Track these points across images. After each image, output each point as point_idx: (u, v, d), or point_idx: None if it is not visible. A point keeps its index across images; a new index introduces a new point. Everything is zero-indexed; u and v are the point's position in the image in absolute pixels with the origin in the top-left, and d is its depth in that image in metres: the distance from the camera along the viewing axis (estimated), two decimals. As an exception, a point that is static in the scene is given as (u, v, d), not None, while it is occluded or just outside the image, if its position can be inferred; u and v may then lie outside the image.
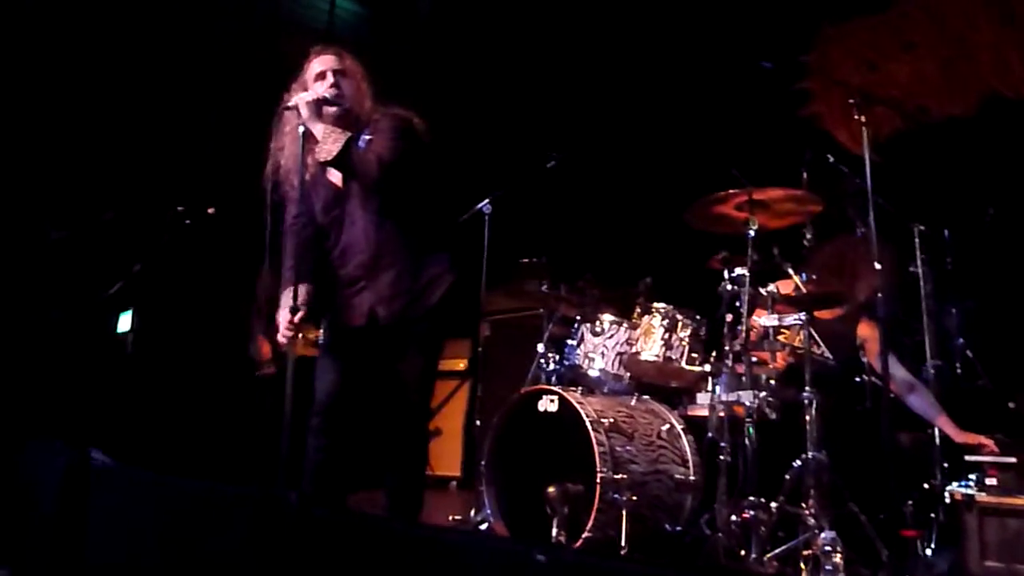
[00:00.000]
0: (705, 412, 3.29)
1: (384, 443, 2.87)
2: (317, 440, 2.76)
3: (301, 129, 2.69)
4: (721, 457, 3.04)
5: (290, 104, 2.73)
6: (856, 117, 3.23)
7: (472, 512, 3.79)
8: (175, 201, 4.06)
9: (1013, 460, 3.13)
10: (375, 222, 2.87)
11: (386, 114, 2.88)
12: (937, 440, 3.35)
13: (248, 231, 3.21)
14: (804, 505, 2.92)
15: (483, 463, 3.41)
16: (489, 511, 3.34)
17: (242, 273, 4.62)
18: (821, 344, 3.28)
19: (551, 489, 3.02)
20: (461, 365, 5.62)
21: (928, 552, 3.06)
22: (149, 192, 4.61)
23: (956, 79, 4.91)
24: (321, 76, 2.87)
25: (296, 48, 3.05)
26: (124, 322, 4.37)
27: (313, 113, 2.71)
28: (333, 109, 2.81)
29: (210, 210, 4.10)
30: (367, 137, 2.82)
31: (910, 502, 3.25)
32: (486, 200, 4.05)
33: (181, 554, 2.17)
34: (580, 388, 3.35)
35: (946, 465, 3.27)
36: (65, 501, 2.57)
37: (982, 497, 2.99)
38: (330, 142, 2.71)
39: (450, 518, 4.00)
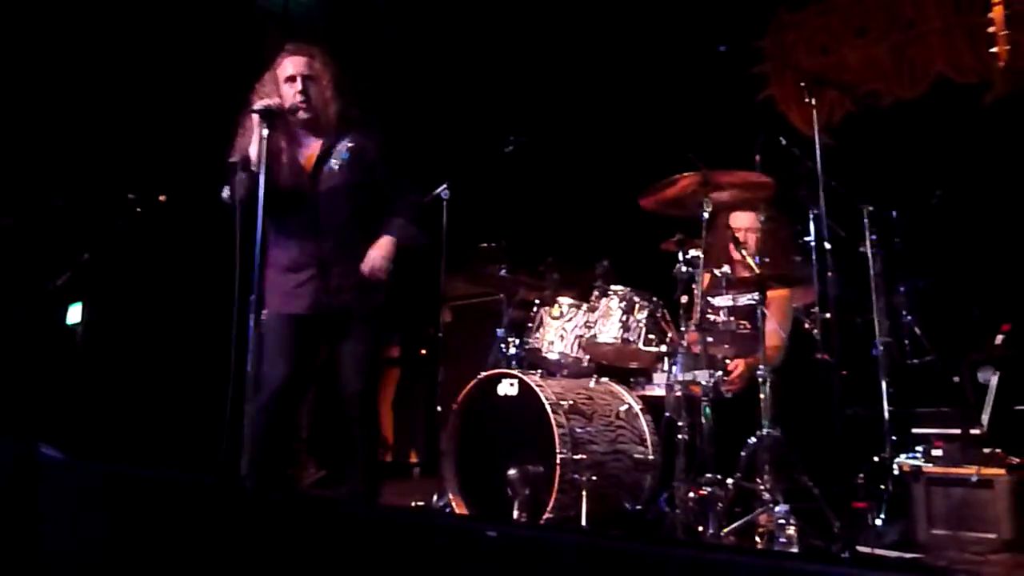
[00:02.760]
0: (662, 392, 3.33)
1: (335, 431, 2.94)
2: (265, 427, 2.76)
3: (265, 132, 2.71)
4: (679, 436, 3.09)
5: (257, 108, 2.75)
6: (807, 100, 3.29)
7: (435, 497, 3.80)
8: (126, 188, 3.97)
9: (958, 432, 3.25)
10: (334, 214, 2.98)
11: (370, 129, 3.09)
12: (886, 414, 3.44)
13: (202, 219, 3.17)
14: (759, 480, 2.99)
15: (444, 448, 3.42)
16: (451, 495, 3.36)
17: (195, 261, 4.54)
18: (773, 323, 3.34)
19: (512, 471, 3.06)
20: (422, 351, 5.61)
21: (878, 522, 3.14)
22: (99, 179, 4.50)
23: (906, 64, 5.01)
24: (291, 80, 2.94)
25: (252, 31, 3.04)
26: (74, 313, 4.26)
27: (279, 120, 2.78)
28: (300, 116, 2.92)
29: (162, 197, 4.02)
30: (350, 145, 3.01)
31: (861, 475, 3.35)
32: (444, 185, 4.03)
33: (134, 545, 2.14)
34: (540, 371, 3.37)
35: (895, 438, 3.36)
36: (13, 496, 2.52)
37: (928, 468, 3.09)
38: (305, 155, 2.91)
39: (413, 504, 4.00)
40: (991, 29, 1.76)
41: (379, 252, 2.98)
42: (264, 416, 2.75)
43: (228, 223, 2.71)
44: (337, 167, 3.01)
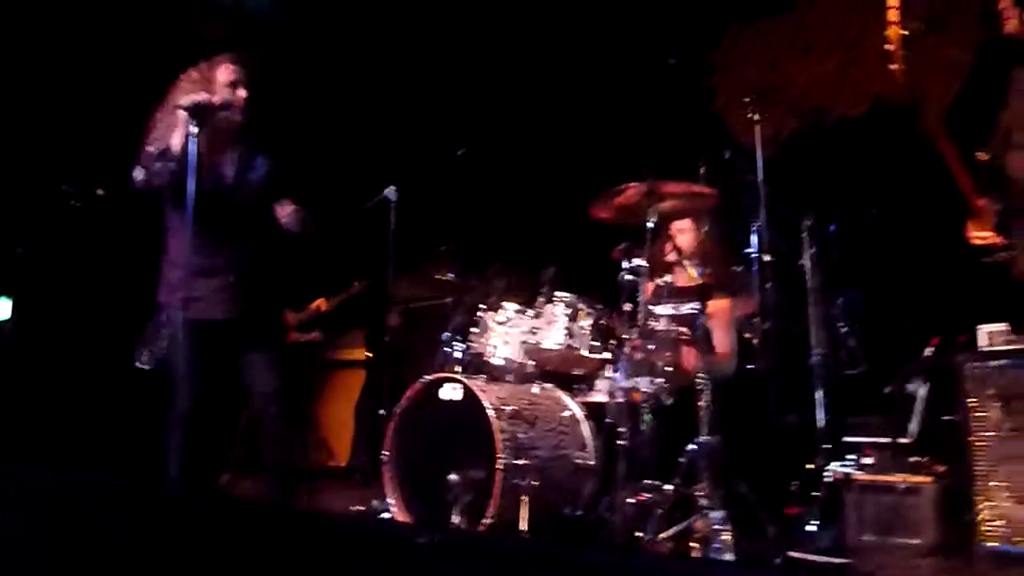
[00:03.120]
0: (605, 398, 3.36)
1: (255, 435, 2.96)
2: (186, 431, 2.72)
3: (194, 129, 2.68)
4: (619, 442, 3.12)
5: (186, 104, 2.71)
6: (751, 115, 3.36)
7: (374, 502, 3.77)
8: (61, 181, 3.84)
9: (888, 440, 3.35)
10: (251, 223, 3.06)
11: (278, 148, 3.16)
12: (821, 423, 3.52)
13: (138, 214, 3.10)
14: (697, 487, 3.03)
15: (385, 452, 3.39)
16: (391, 500, 3.33)
17: (133, 257, 4.41)
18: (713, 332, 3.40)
19: (452, 476, 3.05)
20: (367, 353, 5.56)
21: (811, 528, 3.22)
22: (34, 171, 4.34)
23: (849, 82, 5.16)
24: (234, 85, 2.97)
25: (197, 26, 2.99)
26: (3, 310, 4.10)
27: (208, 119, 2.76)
28: (234, 119, 2.93)
29: (99, 191, 3.90)
30: (265, 160, 3.09)
31: (796, 482, 3.43)
32: (391, 187, 4.00)
33: (60, 548, 2.07)
34: (484, 376, 3.37)
35: (828, 446, 3.44)
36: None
37: (859, 475, 3.18)
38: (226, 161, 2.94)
39: (351, 509, 3.95)
40: (887, 47, 1.88)
41: (288, 208, 3.04)
42: (184, 422, 2.71)
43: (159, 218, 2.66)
44: (255, 179, 3.08)
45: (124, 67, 4.68)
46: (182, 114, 2.72)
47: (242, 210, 3.03)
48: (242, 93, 2.95)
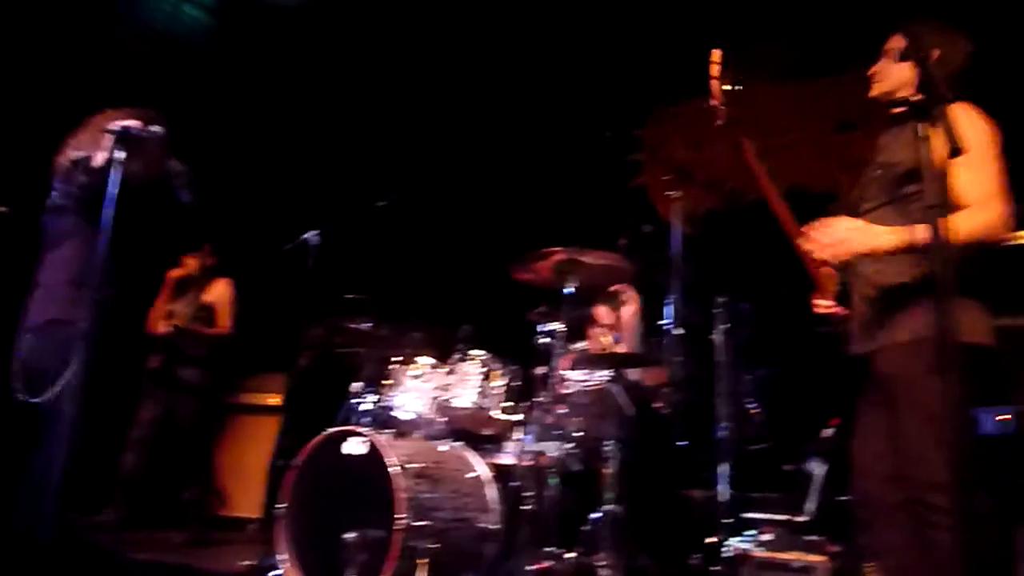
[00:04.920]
0: (513, 460, 3.32)
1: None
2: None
3: (122, 155, 2.59)
4: (525, 506, 3.08)
5: (114, 128, 2.65)
6: (671, 193, 3.48)
7: (267, 557, 3.58)
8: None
9: (785, 518, 3.42)
10: None
11: None
12: (723, 498, 3.57)
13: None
14: (599, 556, 3.01)
15: (281, 505, 3.25)
16: (281, 556, 3.17)
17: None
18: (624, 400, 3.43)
19: (349, 535, 2.93)
20: (275, 400, 5.37)
21: (710, 604, 3.22)
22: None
23: (766, 167, 5.41)
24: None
25: (122, 47, 2.92)
26: None
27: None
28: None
29: (3, 209, 3.70)
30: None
31: (696, 555, 3.44)
32: (314, 231, 3.94)
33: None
34: (391, 431, 3.29)
35: (730, 521, 3.48)
36: None
37: (756, 552, 3.22)
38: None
39: (240, 563, 3.75)
40: (711, 101, 2.02)
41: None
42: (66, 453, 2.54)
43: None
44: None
45: (32, 85, 4.52)
46: (108, 137, 2.64)
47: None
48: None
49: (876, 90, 2.46)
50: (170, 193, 2.97)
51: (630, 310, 3.81)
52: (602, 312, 3.70)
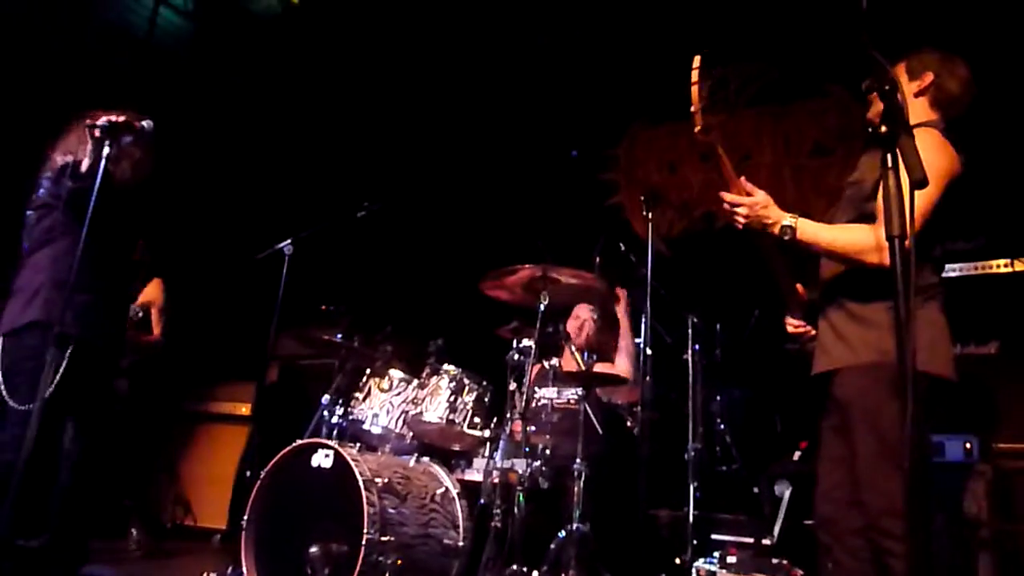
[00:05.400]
0: (481, 477, 3.31)
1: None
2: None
3: (107, 150, 2.60)
4: (492, 523, 3.06)
5: (102, 123, 2.63)
6: (645, 214, 3.51)
7: (230, 568, 3.53)
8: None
9: (751, 540, 3.44)
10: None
11: None
12: (690, 518, 3.59)
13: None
14: (564, 575, 2.99)
15: (247, 517, 3.20)
16: (246, 568, 3.12)
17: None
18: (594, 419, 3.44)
19: (313, 549, 2.90)
20: (244, 410, 5.30)
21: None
22: None
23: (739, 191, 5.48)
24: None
25: (105, 52, 2.90)
26: None
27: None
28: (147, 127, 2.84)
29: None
30: None
31: (663, 575, 3.45)
32: (288, 240, 3.92)
33: None
34: (359, 444, 3.26)
35: (696, 542, 3.49)
36: None
37: (722, 574, 3.23)
38: None
39: (204, 575, 3.69)
40: (692, 109, 2.05)
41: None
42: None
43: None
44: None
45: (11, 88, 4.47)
46: (95, 132, 2.63)
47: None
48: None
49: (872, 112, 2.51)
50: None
51: (604, 327, 3.83)
52: (576, 329, 3.71)
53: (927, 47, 2.42)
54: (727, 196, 2.24)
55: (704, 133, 2.09)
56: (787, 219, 2.20)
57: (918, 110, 2.32)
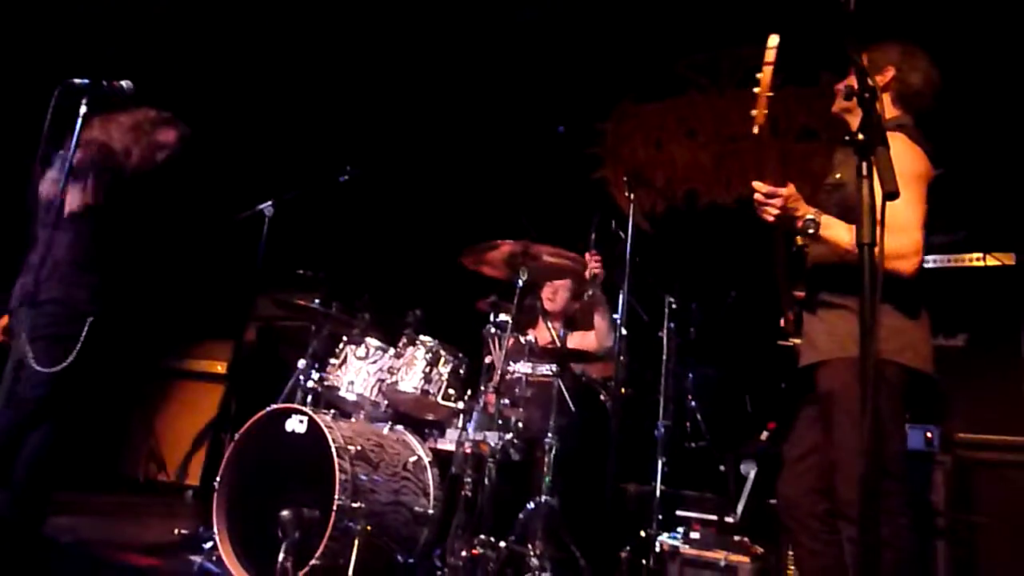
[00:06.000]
0: (453, 447, 3.35)
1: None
2: None
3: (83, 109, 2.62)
4: (462, 493, 3.11)
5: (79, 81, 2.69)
6: (626, 192, 3.51)
7: (201, 528, 3.57)
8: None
9: (714, 518, 3.52)
10: None
11: None
12: (658, 493, 3.66)
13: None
14: (531, 546, 3.06)
15: (219, 478, 3.23)
16: (216, 528, 3.16)
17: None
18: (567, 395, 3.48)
19: (284, 512, 2.93)
20: (220, 368, 5.31)
21: (636, 596, 3.31)
22: None
23: (724, 171, 5.51)
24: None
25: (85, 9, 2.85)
26: None
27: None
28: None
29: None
30: None
31: (627, 548, 3.52)
32: (269, 202, 3.88)
33: None
34: (333, 411, 3.29)
35: (661, 517, 3.57)
36: None
37: (684, 549, 3.32)
38: None
39: (176, 531, 3.73)
40: (756, 90, 1.94)
41: None
42: None
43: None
44: None
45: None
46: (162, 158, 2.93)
47: None
48: None
49: (834, 107, 2.52)
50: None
51: (584, 303, 3.85)
52: (554, 304, 3.72)
53: (889, 39, 2.40)
54: (762, 187, 2.17)
55: (760, 134, 2.01)
56: (811, 213, 2.17)
57: (883, 107, 2.34)
